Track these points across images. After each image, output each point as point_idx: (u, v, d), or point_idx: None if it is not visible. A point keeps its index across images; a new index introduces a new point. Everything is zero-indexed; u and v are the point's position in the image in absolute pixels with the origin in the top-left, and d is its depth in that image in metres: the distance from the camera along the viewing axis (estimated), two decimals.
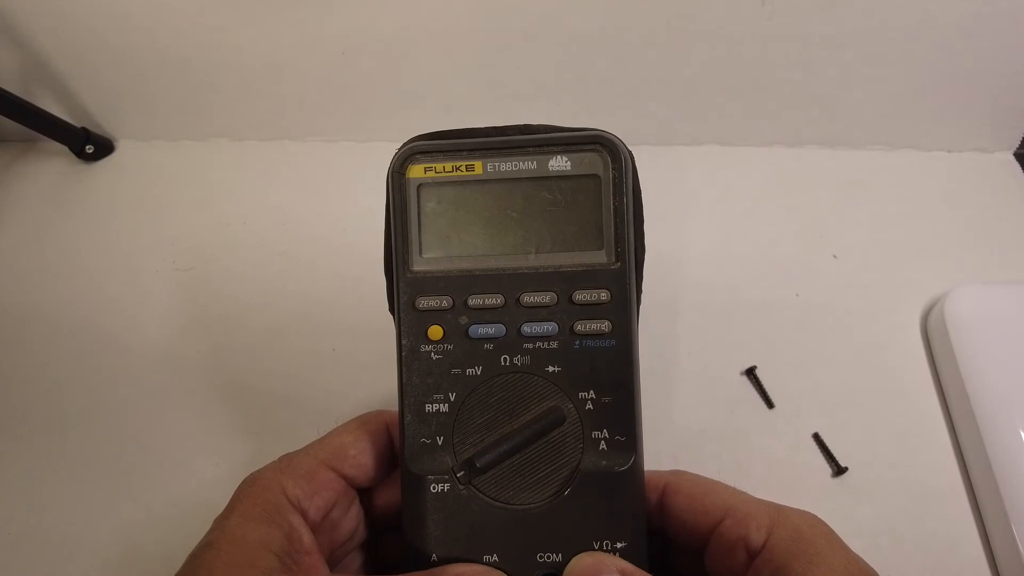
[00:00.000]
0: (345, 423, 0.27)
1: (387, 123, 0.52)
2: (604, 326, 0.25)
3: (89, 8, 0.46)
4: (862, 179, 0.50)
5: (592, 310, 0.25)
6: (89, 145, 0.52)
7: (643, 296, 0.26)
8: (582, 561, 0.24)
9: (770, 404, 0.40)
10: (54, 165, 0.53)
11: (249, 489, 0.25)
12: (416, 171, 0.25)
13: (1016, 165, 0.51)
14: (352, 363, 0.41)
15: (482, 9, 0.45)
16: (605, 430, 0.25)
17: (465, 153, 0.25)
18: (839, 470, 0.37)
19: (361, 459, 0.26)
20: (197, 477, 0.38)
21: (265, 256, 0.47)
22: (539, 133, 0.26)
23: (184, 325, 0.44)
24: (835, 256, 0.46)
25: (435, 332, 0.25)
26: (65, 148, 0.52)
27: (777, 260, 0.45)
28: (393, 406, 0.27)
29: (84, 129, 0.52)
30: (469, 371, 0.25)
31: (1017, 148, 0.51)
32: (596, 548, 0.24)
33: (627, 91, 0.49)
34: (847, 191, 0.49)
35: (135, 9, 0.46)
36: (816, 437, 0.38)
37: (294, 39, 0.47)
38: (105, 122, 0.54)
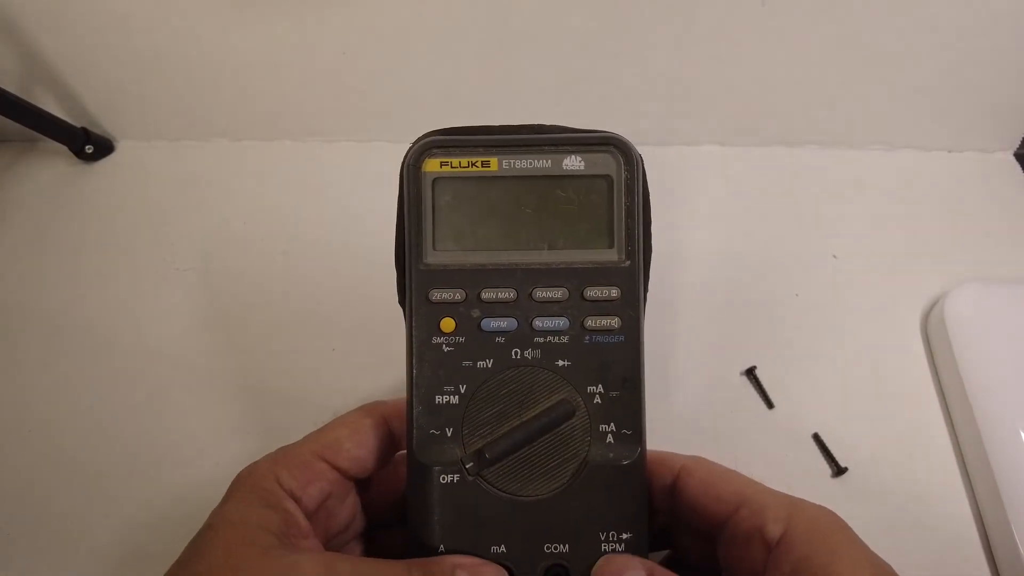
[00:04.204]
0: (344, 414, 0.27)
1: (387, 123, 0.52)
2: (614, 322, 0.25)
3: (89, 8, 0.46)
4: (862, 179, 0.50)
5: (602, 306, 0.26)
6: (89, 145, 0.52)
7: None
8: (611, 564, 0.24)
9: (770, 404, 0.40)
10: (54, 165, 0.53)
11: (246, 479, 0.25)
12: (432, 165, 0.25)
13: (1016, 165, 0.51)
14: (352, 363, 0.41)
15: (482, 9, 0.45)
16: (612, 423, 0.25)
17: (481, 149, 0.25)
18: (839, 470, 0.37)
19: (356, 452, 0.26)
20: (197, 477, 0.38)
21: (265, 256, 0.47)
22: (552, 133, 0.26)
23: (184, 325, 0.44)
24: (835, 256, 0.46)
25: (447, 325, 0.25)
26: (65, 148, 0.52)
27: (777, 260, 0.45)
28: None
29: (84, 129, 0.52)
30: (480, 364, 0.25)
31: (1017, 148, 0.51)
32: (603, 539, 0.25)
33: (627, 91, 0.49)
34: (847, 191, 0.49)
35: (135, 9, 0.46)
36: (816, 437, 0.38)
37: (294, 39, 0.47)
38: (105, 122, 0.54)
